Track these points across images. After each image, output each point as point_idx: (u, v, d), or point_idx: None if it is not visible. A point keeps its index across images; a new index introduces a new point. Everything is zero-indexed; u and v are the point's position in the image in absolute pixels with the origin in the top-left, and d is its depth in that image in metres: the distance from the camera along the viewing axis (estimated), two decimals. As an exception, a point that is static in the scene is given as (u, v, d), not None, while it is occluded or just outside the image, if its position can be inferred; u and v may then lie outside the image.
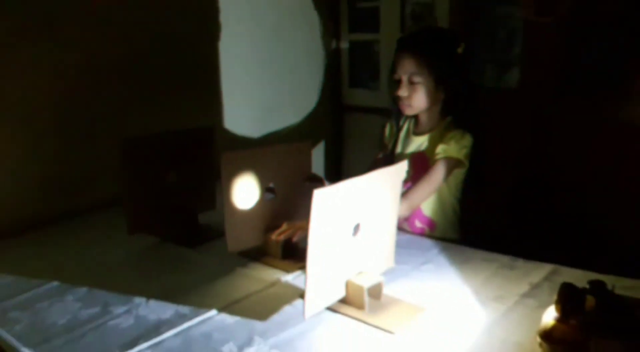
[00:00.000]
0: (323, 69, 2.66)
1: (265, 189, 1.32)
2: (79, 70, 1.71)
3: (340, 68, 2.71)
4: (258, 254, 1.33)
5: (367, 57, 2.68)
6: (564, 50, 1.94)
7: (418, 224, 1.56)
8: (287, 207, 1.36)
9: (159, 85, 1.93)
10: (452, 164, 1.46)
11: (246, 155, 1.30)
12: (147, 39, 1.88)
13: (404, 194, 1.45)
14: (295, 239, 1.30)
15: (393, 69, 1.51)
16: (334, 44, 2.68)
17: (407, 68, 1.46)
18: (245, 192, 1.27)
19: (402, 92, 1.48)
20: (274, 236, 1.30)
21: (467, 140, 1.46)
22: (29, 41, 1.60)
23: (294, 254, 1.30)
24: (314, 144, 2.04)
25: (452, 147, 1.44)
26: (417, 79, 1.45)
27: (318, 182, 1.40)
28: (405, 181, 1.56)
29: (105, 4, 1.74)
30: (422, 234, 1.56)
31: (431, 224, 1.56)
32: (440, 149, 1.46)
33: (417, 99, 1.48)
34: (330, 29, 2.64)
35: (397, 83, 1.49)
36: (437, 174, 1.45)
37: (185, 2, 1.97)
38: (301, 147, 1.41)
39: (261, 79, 2.35)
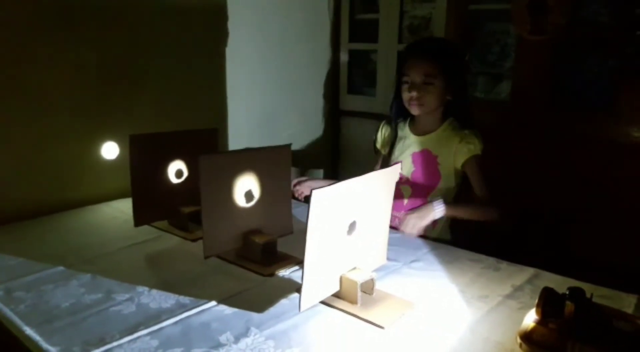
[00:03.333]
0: (323, 76, 2.67)
1: (245, 193, 1.25)
2: (94, 70, 1.72)
3: (339, 75, 2.72)
4: (236, 258, 1.28)
5: (365, 65, 2.69)
6: (554, 66, 1.96)
7: None
8: (266, 211, 1.30)
9: (167, 87, 1.94)
10: (479, 159, 1.52)
11: (225, 158, 1.25)
12: (157, 44, 1.89)
13: (473, 200, 1.54)
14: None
15: (403, 72, 1.54)
16: (334, 53, 2.69)
17: (422, 70, 1.50)
18: (224, 195, 1.21)
19: (416, 92, 1.51)
20: (253, 239, 1.25)
21: (480, 137, 1.53)
22: (51, 39, 1.61)
23: (273, 257, 1.26)
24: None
25: (477, 145, 1.52)
26: (430, 80, 1.49)
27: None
28: (407, 180, 1.59)
29: (119, 9, 1.75)
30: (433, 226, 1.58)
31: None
32: (465, 149, 1.52)
33: (429, 99, 1.52)
34: (331, 39, 2.65)
35: (408, 85, 1.52)
36: (478, 169, 1.52)
37: (195, 10, 1.97)
38: (280, 150, 1.34)
39: (264, 83, 2.36)
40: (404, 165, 1.61)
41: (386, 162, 1.70)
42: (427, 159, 1.58)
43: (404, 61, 1.57)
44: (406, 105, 1.56)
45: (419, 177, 1.59)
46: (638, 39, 1.77)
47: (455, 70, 1.53)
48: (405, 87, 1.53)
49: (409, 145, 1.62)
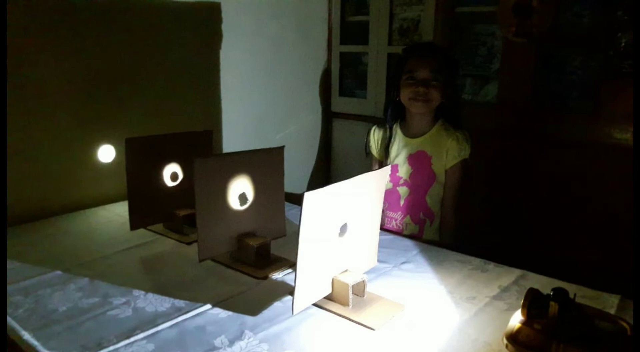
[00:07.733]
0: (315, 78, 2.65)
1: (238, 195, 1.22)
2: (94, 74, 1.71)
3: (331, 77, 2.71)
4: (231, 260, 1.27)
5: (356, 67, 2.68)
6: (538, 68, 1.96)
7: (422, 216, 1.60)
8: (260, 213, 1.28)
9: (162, 90, 1.92)
10: (466, 163, 1.55)
11: (219, 161, 1.23)
12: (152, 48, 1.87)
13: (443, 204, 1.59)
14: None
15: (407, 70, 1.54)
16: (326, 55, 2.67)
17: (428, 66, 1.51)
18: (218, 198, 1.19)
19: (423, 88, 1.51)
20: (247, 241, 1.23)
21: (470, 140, 1.56)
22: (51, 45, 1.60)
23: (267, 259, 1.25)
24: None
25: (466, 149, 1.55)
26: (436, 76, 1.51)
27: None
28: (405, 181, 1.59)
29: (115, 14, 1.74)
30: (422, 225, 1.60)
31: (432, 216, 1.59)
32: (457, 151, 1.54)
33: (435, 95, 1.52)
34: (324, 41, 2.64)
35: (413, 82, 1.52)
36: (460, 176, 1.56)
37: (189, 14, 1.95)
38: (273, 153, 1.30)
39: (257, 86, 2.34)
40: (401, 167, 1.61)
41: (382, 166, 1.70)
42: (422, 160, 1.58)
43: (405, 60, 1.56)
44: (407, 103, 1.55)
45: (416, 179, 1.59)
46: (619, 41, 1.77)
47: (450, 73, 1.56)
48: (408, 83, 1.53)
49: (404, 148, 1.62)
